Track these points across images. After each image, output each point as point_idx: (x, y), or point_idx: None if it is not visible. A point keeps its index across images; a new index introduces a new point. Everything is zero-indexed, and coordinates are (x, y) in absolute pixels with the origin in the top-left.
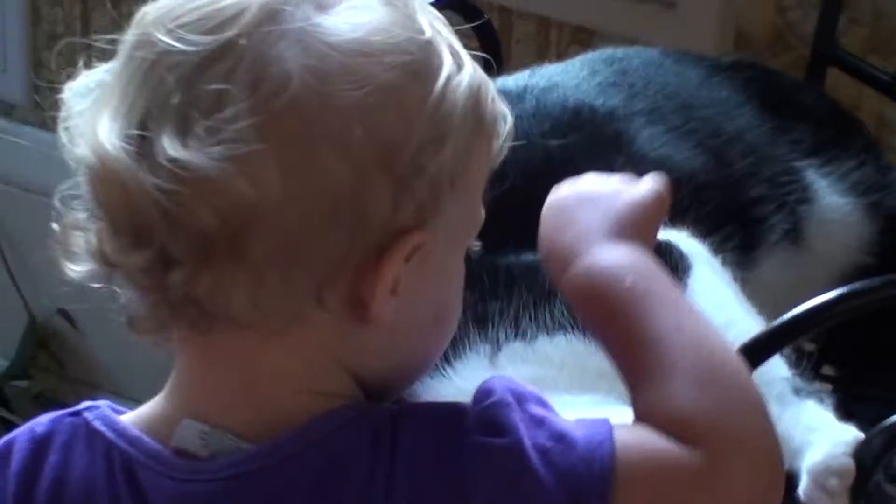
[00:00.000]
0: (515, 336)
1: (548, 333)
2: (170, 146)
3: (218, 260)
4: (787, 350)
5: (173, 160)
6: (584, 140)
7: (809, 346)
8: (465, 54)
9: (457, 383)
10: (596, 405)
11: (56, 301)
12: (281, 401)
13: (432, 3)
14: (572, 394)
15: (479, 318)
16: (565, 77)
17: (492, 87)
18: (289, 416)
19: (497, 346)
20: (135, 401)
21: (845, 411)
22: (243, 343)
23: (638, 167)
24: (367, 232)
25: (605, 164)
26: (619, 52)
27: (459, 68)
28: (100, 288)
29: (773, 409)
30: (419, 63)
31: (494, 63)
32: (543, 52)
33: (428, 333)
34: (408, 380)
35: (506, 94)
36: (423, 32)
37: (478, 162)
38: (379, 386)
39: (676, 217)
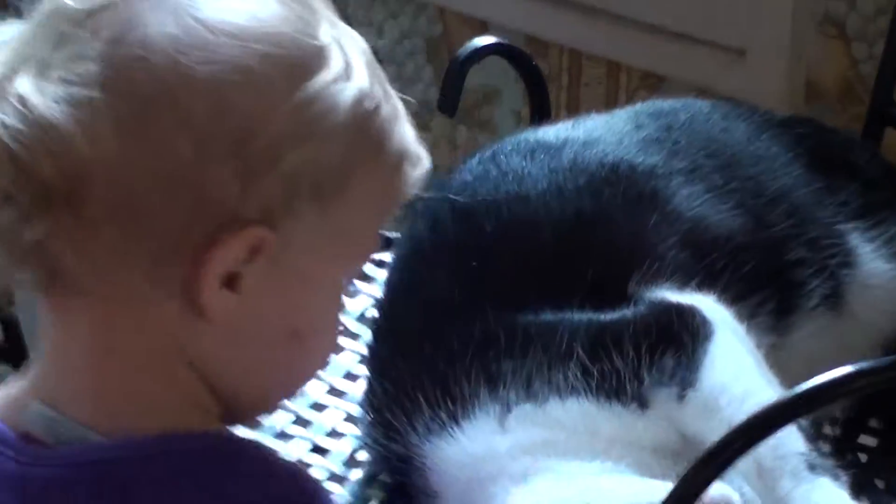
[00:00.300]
0: (527, 397)
1: (560, 396)
2: (20, 84)
3: (56, 211)
4: (805, 424)
5: (20, 97)
6: (618, 197)
7: (831, 430)
8: (369, 79)
9: (463, 444)
10: (606, 472)
11: None
12: (131, 396)
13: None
14: (582, 460)
15: (490, 378)
16: (607, 132)
17: (406, 124)
18: (138, 417)
19: (507, 408)
20: None
21: (883, 483)
22: (91, 313)
23: (673, 226)
24: (205, 214)
25: (639, 221)
26: (668, 104)
27: (348, 79)
28: None
29: (786, 485)
30: (294, 59)
31: (539, 111)
32: (612, 97)
33: (281, 350)
34: (263, 402)
35: (545, 146)
36: (315, 38)
37: (365, 183)
38: (233, 403)
39: (710, 279)
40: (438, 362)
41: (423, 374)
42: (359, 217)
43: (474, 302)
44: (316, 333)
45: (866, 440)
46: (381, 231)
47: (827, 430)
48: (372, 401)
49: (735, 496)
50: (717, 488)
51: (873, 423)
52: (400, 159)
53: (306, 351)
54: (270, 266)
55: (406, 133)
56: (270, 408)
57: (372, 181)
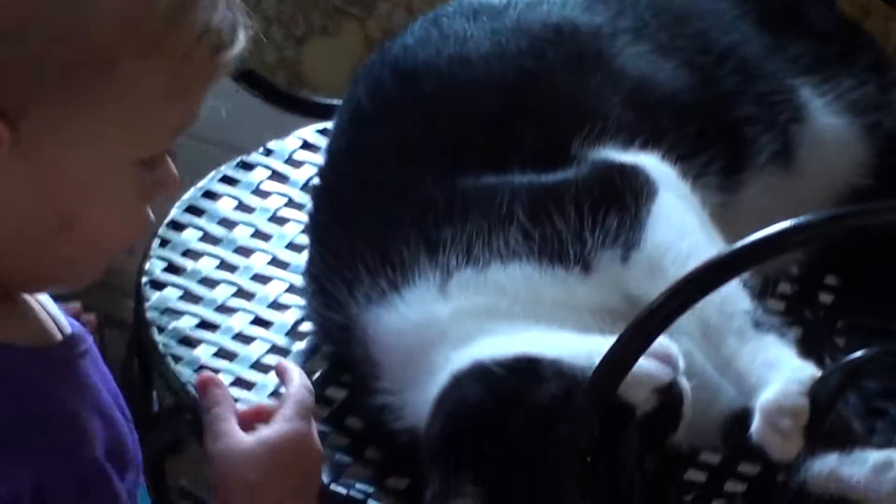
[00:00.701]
0: (468, 263)
1: (502, 261)
2: None
3: None
4: (752, 282)
5: None
6: (561, 58)
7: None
8: None
9: (404, 312)
10: (555, 337)
11: None
12: None
13: None
14: (525, 325)
15: (430, 244)
16: None
17: (211, 6)
18: None
19: (448, 274)
20: None
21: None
22: None
23: (617, 86)
24: None
25: (582, 82)
26: None
27: None
28: None
29: (732, 343)
30: None
31: None
32: None
33: (46, 239)
34: (16, 284)
35: (488, 8)
36: None
37: (141, 71)
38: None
39: (655, 139)
40: (377, 230)
41: (362, 243)
42: (137, 105)
43: (413, 166)
44: (88, 230)
45: (824, 297)
46: (187, 116)
47: (782, 287)
48: (313, 271)
49: (673, 347)
50: (659, 341)
51: (830, 280)
52: (193, 46)
53: (72, 245)
54: (19, 158)
55: (205, 16)
56: (62, 287)
57: (150, 69)
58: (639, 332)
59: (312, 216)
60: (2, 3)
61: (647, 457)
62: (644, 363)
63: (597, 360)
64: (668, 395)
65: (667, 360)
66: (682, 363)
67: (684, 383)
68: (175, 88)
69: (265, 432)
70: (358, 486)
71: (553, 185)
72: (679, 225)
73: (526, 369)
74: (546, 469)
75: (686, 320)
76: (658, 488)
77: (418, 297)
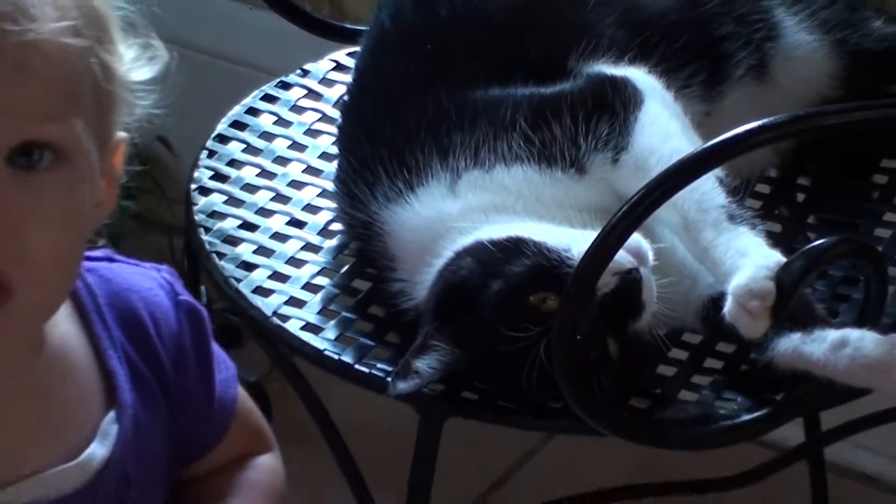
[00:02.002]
0: (475, 165)
1: (505, 164)
2: None
3: None
4: (726, 179)
5: None
6: None
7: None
8: None
9: (418, 209)
10: (547, 229)
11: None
12: None
13: None
14: (527, 220)
15: (442, 149)
16: None
17: None
18: None
19: (457, 175)
20: None
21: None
22: None
23: (610, 7)
24: None
25: (579, 4)
26: None
27: None
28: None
29: (709, 235)
30: None
31: None
32: None
33: None
34: None
35: None
36: None
37: None
38: None
39: (644, 55)
40: (396, 137)
41: (382, 149)
42: None
43: (429, 81)
44: None
45: (797, 195)
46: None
47: (760, 187)
48: (341, 176)
49: (645, 244)
50: (633, 238)
51: (802, 181)
52: None
53: None
54: None
55: None
56: None
57: None
58: (621, 222)
59: (341, 128)
60: None
61: (611, 339)
62: None
63: (576, 247)
64: (628, 280)
65: (636, 252)
66: (651, 258)
67: (647, 274)
68: None
69: None
70: (379, 365)
71: (551, 95)
72: (663, 130)
73: (513, 247)
74: (512, 339)
75: (669, 215)
76: (627, 369)
77: (431, 196)
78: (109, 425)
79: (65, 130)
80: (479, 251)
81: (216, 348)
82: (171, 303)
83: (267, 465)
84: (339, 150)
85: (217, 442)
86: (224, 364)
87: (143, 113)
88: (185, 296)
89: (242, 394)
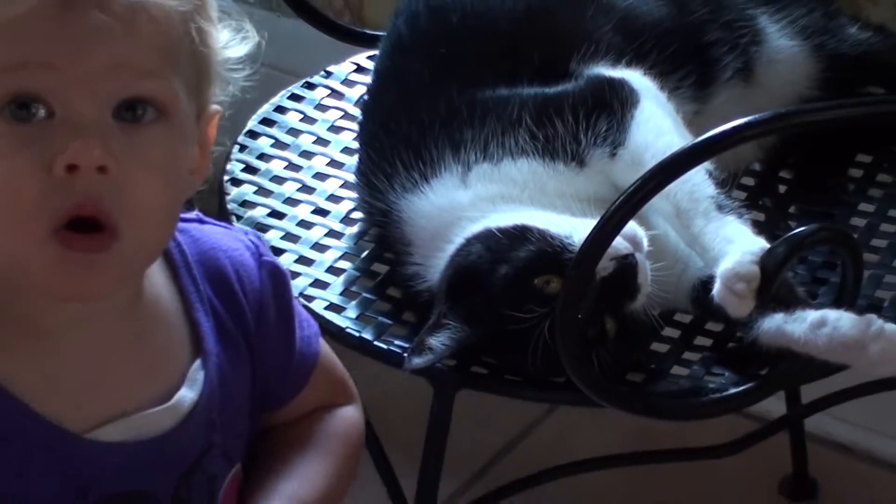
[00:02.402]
0: (484, 158)
1: (513, 157)
2: None
3: None
4: (715, 172)
5: None
6: None
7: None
8: None
9: (432, 198)
10: (550, 217)
11: None
12: None
13: None
14: (531, 209)
15: (454, 143)
16: None
17: None
18: None
19: (468, 167)
20: None
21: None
22: None
23: (608, 15)
24: None
25: (579, 12)
26: None
27: None
28: None
29: (699, 223)
30: None
31: None
32: None
33: None
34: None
35: None
36: None
37: None
38: None
39: (639, 59)
40: (412, 133)
41: (400, 143)
42: None
43: (442, 82)
44: None
45: (779, 187)
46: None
47: (745, 180)
48: (361, 168)
49: (640, 231)
50: (629, 226)
51: (784, 174)
52: None
53: None
54: None
55: None
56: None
57: None
58: (618, 211)
59: (362, 124)
60: None
61: (609, 318)
62: None
63: (577, 234)
64: (624, 264)
65: (631, 239)
66: (645, 244)
67: (642, 260)
68: None
69: None
70: (396, 342)
71: (554, 94)
72: (657, 127)
73: (519, 234)
74: (518, 319)
75: (662, 205)
76: (624, 350)
77: (444, 187)
78: (196, 372)
79: (166, 87)
80: (487, 238)
81: (298, 307)
82: (255, 262)
83: (347, 415)
84: (360, 144)
85: (296, 393)
86: (307, 322)
87: (236, 88)
88: (269, 256)
89: (326, 349)
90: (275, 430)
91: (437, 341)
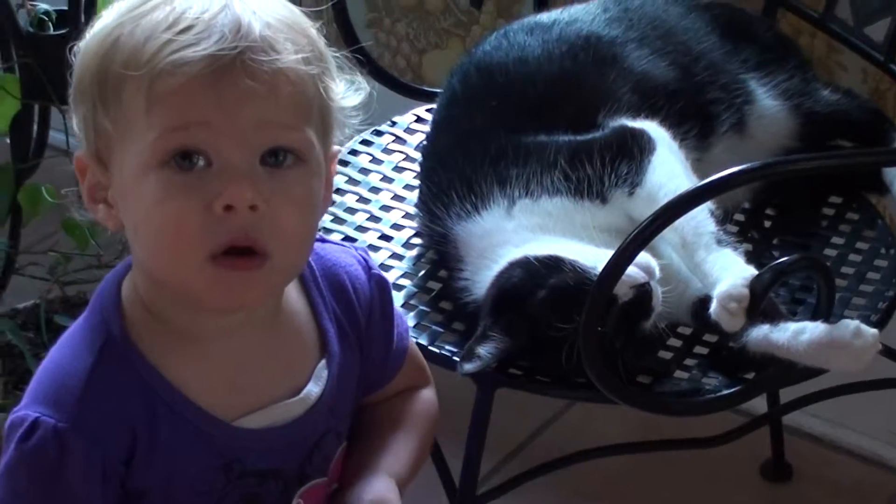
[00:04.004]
0: (526, 195)
1: (549, 195)
2: None
3: None
4: (717, 213)
5: None
6: (589, 59)
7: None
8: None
9: (481, 224)
10: (578, 247)
11: None
12: None
13: None
14: (562, 238)
15: (501, 180)
16: (584, 14)
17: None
18: None
19: (512, 201)
20: None
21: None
22: None
23: (626, 78)
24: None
25: (603, 76)
26: None
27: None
28: None
29: (701, 254)
30: None
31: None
32: None
33: (133, 241)
34: (158, 285)
35: (540, 25)
36: None
37: (123, 93)
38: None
39: (653, 114)
40: (466, 170)
41: (455, 178)
42: (124, 123)
43: (491, 128)
44: (138, 227)
45: (765, 222)
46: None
47: (737, 216)
48: (422, 198)
49: (653, 262)
50: (642, 256)
51: (769, 211)
52: (121, 76)
53: (142, 242)
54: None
55: (125, 39)
56: (217, 307)
57: (127, 94)
58: (632, 243)
59: (422, 164)
60: (76, 75)
61: (624, 334)
62: (629, 269)
63: (600, 265)
64: (642, 292)
65: (646, 269)
66: (657, 273)
67: (655, 286)
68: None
69: None
70: (447, 347)
71: (584, 142)
72: (670, 171)
73: (553, 264)
74: (549, 332)
75: (671, 237)
76: (635, 356)
77: (492, 216)
78: (322, 370)
79: (302, 138)
80: (526, 265)
81: (396, 308)
82: (366, 275)
83: (427, 396)
84: (421, 180)
85: (391, 379)
86: (401, 319)
87: (352, 131)
88: (376, 270)
89: (412, 341)
90: (368, 409)
91: (484, 350)
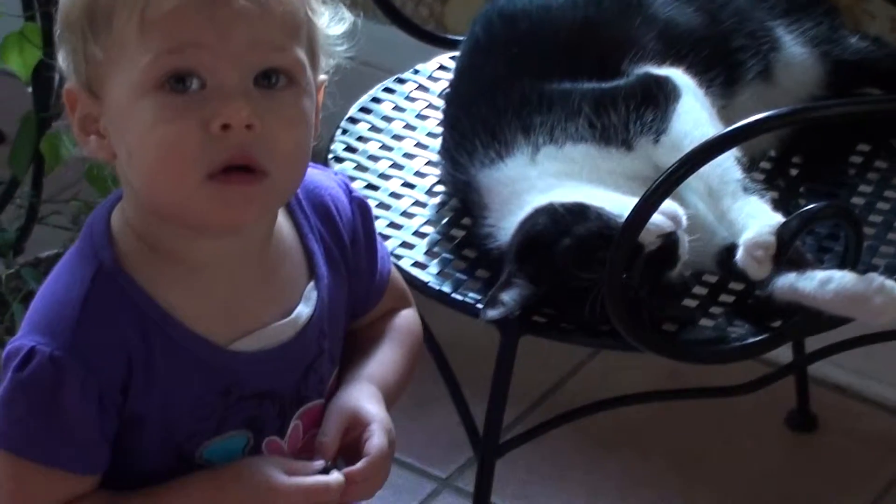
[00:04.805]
0: (550, 141)
1: (573, 142)
2: None
3: None
4: (743, 159)
5: None
6: (614, 5)
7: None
8: None
9: (506, 172)
10: (604, 194)
11: None
12: None
13: None
14: (587, 185)
15: (525, 128)
16: None
17: None
18: None
19: (537, 148)
20: None
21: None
22: None
23: (651, 25)
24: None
25: (628, 23)
26: None
27: None
28: None
29: (727, 202)
30: None
31: None
32: None
33: (128, 167)
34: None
35: None
36: None
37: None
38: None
39: (678, 62)
40: (490, 118)
41: (479, 127)
42: (117, 46)
43: (515, 76)
44: (133, 152)
45: (791, 170)
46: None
47: (763, 164)
48: (445, 147)
49: (680, 210)
50: (668, 204)
51: (795, 159)
52: (111, 2)
53: (138, 168)
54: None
55: None
56: (217, 229)
57: (118, 19)
58: (658, 190)
59: (446, 111)
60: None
61: (649, 283)
62: (655, 217)
63: (625, 212)
64: (668, 241)
65: (673, 217)
66: (684, 221)
67: (682, 235)
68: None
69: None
70: (470, 294)
71: (609, 89)
72: (695, 119)
73: (578, 211)
74: (574, 280)
75: (697, 185)
76: (660, 305)
77: (516, 163)
78: (311, 292)
79: (294, 59)
80: (551, 212)
81: (377, 234)
82: (347, 198)
83: (409, 315)
84: (444, 128)
85: (377, 303)
86: (381, 245)
87: (337, 61)
88: (356, 192)
89: (392, 265)
90: (355, 332)
91: (508, 297)
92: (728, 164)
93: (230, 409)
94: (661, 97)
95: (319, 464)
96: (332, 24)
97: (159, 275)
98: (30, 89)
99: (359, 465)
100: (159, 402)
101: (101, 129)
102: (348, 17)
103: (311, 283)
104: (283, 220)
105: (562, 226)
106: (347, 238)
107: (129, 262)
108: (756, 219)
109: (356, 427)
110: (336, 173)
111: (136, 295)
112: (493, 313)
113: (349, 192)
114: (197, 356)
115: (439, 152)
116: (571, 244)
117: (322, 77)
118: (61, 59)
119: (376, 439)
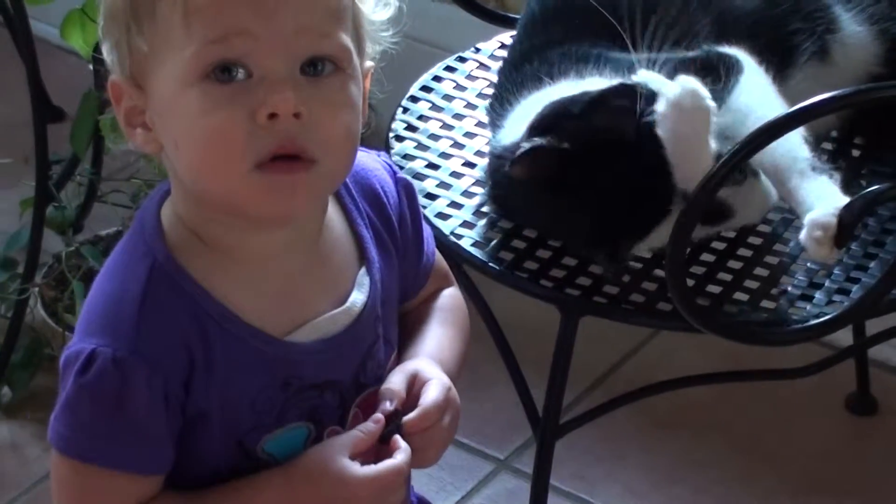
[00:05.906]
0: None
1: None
2: None
3: None
4: (810, 138)
5: None
6: None
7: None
8: None
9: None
10: None
11: None
12: None
13: None
14: None
15: (551, 73)
16: None
17: None
18: None
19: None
20: None
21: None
22: None
23: (708, 7)
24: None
25: (685, 6)
26: None
27: None
28: None
29: (794, 180)
30: None
31: None
32: None
33: (175, 159)
34: (202, 204)
35: None
36: None
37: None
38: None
39: (738, 42)
40: (542, 70)
41: (526, 82)
42: (161, 36)
43: (569, 47)
44: (180, 143)
45: (853, 151)
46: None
47: (824, 145)
48: (493, 104)
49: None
50: None
51: (858, 140)
52: None
53: (186, 159)
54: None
55: None
56: (270, 220)
57: (162, 10)
58: (722, 167)
59: (495, 85)
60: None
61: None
62: None
63: (650, 82)
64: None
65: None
66: None
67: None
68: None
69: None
70: (530, 274)
71: (681, 60)
72: (759, 94)
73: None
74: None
75: (765, 161)
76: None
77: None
78: (363, 278)
79: (340, 45)
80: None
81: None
82: (392, 179)
83: (453, 293)
84: (493, 99)
85: (425, 283)
86: (425, 226)
87: (384, 47)
88: (401, 174)
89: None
90: (404, 316)
91: (528, 144)
92: (796, 142)
93: (290, 400)
94: (721, 70)
95: (381, 415)
96: (378, 9)
97: (212, 268)
98: (91, 66)
99: (412, 414)
100: (220, 396)
101: (147, 121)
102: (393, 2)
103: (363, 269)
104: (331, 207)
105: (581, 96)
106: (396, 220)
107: (182, 256)
108: (824, 199)
109: (417, 385)
110: (379, 154)
111: (191, 289)
112: (525, 144)
113: (394, 173)
114: (254, 349)
115: (487, 109)
116: (594, 95)
117: (369, 63)
118: (106, 53)
119: (432, 392)
